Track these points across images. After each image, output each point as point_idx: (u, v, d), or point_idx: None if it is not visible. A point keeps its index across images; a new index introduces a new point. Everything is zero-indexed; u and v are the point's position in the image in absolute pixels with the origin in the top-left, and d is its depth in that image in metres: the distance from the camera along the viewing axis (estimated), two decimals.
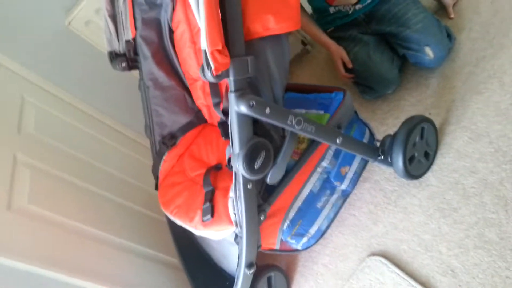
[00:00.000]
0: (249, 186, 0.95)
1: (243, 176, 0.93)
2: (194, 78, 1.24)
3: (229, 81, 0.86)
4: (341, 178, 1.19)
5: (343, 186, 1.21)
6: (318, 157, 1.11)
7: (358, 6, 1.47)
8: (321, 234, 1.20)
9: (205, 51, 0.79)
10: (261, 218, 1.02)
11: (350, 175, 1.21)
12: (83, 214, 1.29)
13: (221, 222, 1.02)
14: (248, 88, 0.88)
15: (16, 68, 1.50)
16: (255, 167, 0.92)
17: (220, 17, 0.80)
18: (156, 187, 1.28)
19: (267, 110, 0.89)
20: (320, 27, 1.57)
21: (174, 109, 1.25)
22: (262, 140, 0.92)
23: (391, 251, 1.22)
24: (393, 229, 1.24)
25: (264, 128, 0.97)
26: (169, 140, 1.25)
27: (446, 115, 1.33)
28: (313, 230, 1.17)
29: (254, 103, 0.86)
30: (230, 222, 1.01)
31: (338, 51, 1.50)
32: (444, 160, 1.25)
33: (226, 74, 0.83)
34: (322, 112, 1.16)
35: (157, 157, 1.25)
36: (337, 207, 1.23)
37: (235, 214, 0.99)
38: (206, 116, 1.30)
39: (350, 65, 1.52)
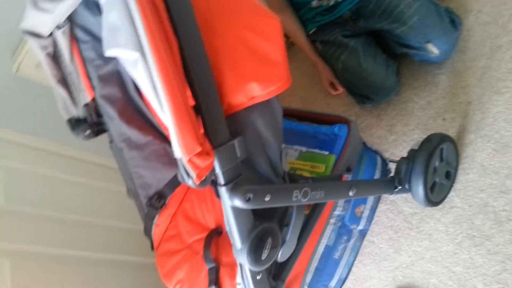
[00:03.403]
0: (258, 277, 0.82)
1: (250, 270, 0.80)
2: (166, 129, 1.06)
3: (216, 175, 0.70)
4: (357, 220, 1.06)
5: (360, 227, 1.08)
6: (329, 209, 0.97)
7: None
8: (343, 282, 1.09)
9: (180, 159, 0.63)
10: None
11: (366, 213, 1.08)
12: None
13: None
14: (241, 173, 0.73)
15: None
16: (263, 258, 0.78)
17: (190, 105, 0.63)
18: (152, 248, 1.15)
19: (268, 197, 0.74)
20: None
21: (157, 166, 1.09)
22: (266, 226, 0.78)
23: (419, 285, 1.11)
24: (419, 259, 1.13)
25: None
26: (157, 201, 1.10)
27: (463, 121, 1.17)
28: (333, 283, 1.06)
29: (251, 196, 0.71)
30: None
31: (325, 73, 1.32)
32: (467, 177, 1.11)
33: (211, 172, 0.68)
34: (326, 152, 1.00)
35: (148, 221, 1.11)
36: (356, 250, 1.11)
37: None
38: None
39: (339, 88, 1.38)
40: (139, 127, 1.04)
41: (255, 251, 0.77)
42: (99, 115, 1.00)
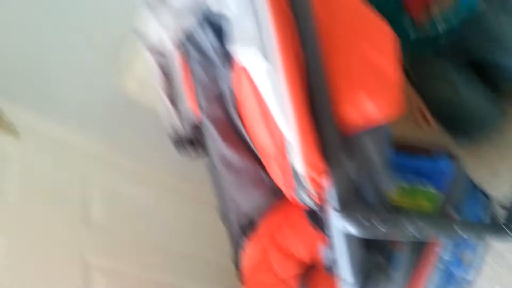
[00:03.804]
0: None
1: None
2: (268, 154, 1.04)
3: (331, 199, 0.66)
4: (465, 268, 0.95)
5: (469, 277, 0.96)
6: (435, 250, 0.87)
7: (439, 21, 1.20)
8: None
9: (301, 175, 0.60)
10: None
11: (474, 262, 0.96)
12: None
13: None
14: (355, 199, 0.68)
15: (72, 141, 1.39)
16: None
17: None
18: (238, 278, 1.11)
19: (383, 229, 0.68)
20: None
21: (252, 192, 1.06)
22: (378, 261, 0.72)
23: None
24: None
25: None
26: (249, 229, 1.06)
27: None
28: None
29: (368, 224, 0.66)
30: None
31: (417, 105, 1.25)
32: None
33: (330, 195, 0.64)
34: (433, 190, 0.92)
35: (238, 249, 1.07)
36: None
37: None
38: (288, 195, 1.10)
39: (431, 122, 1.28)
40: (237, 149, 1.03)
41: (368, 286, 0.70)
42: (202, 135, 1.00)
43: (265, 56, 0.55)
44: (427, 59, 1.28)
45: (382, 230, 0.68)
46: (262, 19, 0.56)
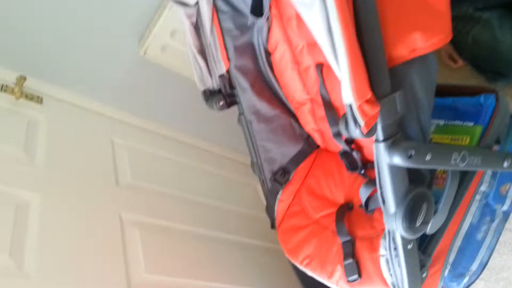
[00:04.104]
0: (410, 246, 0.77)
1: (403, 237, 0.75)
2: (300, 102, 1.06)
3: (378, 129, 0.67)
4: (502, 199, 0.97)
5: (505, 207, 0.99)
6: (476, 183, 0.89)
7: None
8: (483, 267, 1.00)
9: (350, 105, 0.61)
10: (424, 275, 0.84)
11: (511, 192, 0.98)
12: (206, 269, 1.18)
13: (373, 283, 0.86)
14: (399, 130, 0.69)
15: (98, 108, 1.41)
16: (417, 224, 0.73)
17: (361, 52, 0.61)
18: (273, 226, 1.14)
19: (428, 157, 0.70)
20: None
21: (282, 140, 1.08)
22: (421, 190, 0.73)
23: None
24: None
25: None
26: (281, 176, 1.09)
27: None
28: (474, 267, 0.98)
29: (413, 153, 0.67)
30: (385, 283, 0.84)
31: (444, 46, 1.24)
32: None
33: (375, 125, 0.65)
34: (471, 123, 0.93)
35: (271, 196, 1.10)
36: (499, 233, 1.01)
37: (391, 275, 0.81)
38: (319, 142, 1.12)
39: (459, 61, 1.29)
40: (268, 100, 1.05)
41: (410, 216, 0.72)
42: (232, 86, 1.01)
43: None
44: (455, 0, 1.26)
45: (426, 159, 0.70)
46: None
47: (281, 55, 1.00)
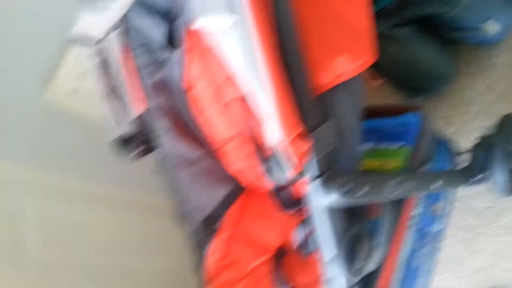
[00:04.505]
0: None
1: (345, 280, 0.69)
2: (225, 140, 0.99)
3: (311, 165, 0.62)
4: (433, 219, 0.96)
5: (436, 228, 0.98)
6: (410, 208, 0.87)
7: None
8: None
9: (279, 142, 0.55)
10: None
11: (442, 212, 0.98)
12: None
13: None
14: (334, 163, 0.65)
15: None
16: (359, 265, 0.68)
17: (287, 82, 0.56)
18: (200, 283, 1.03)
19: (366, 189, 0.66)
20: None
21: (209, 183, 1.00)
22: (359, 227, 0.69)
23: (506, 286, 1.00)
24: (500, 258, 1.02)
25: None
26: (211, 224, 0.99)
27: None
28: None
29: (350, 187, 0.63)
30: None
31: None
32: None
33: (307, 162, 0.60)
34: (398, 144, 0.91)
35: (199, 249, 1.00)
36: (434, 254, 1.00)
37: None
38: (248, 181, 1.05)
39: (379, 81, 1.31)
40: (191, 141, 0.96)
41: (351, 257, 0.67)
42: (149, 129, 0.92)
43: (229, 7, 0.50)
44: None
45: (364, 192, 0.66)
46: None
47: (201, 90, 0.93)
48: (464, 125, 1.19)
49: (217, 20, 0.52)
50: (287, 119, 0.53)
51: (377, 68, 1.31)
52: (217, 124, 0.97)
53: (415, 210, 0.89)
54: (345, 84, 0.65)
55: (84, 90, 1.23)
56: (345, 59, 0.62)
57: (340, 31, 0.63)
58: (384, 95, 1.38)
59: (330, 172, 0.63)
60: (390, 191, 0.69)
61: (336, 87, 0.64)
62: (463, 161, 0.98)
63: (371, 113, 0.99)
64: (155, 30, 0.85)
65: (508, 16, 1.11)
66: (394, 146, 0.90)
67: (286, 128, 0.54)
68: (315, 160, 0.61)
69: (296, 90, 0.59)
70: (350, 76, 0.64)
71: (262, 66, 0.51)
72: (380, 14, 1.23)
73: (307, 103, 0.60)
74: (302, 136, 0.56)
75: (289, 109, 0.54)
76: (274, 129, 0.54)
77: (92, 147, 1.37)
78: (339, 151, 0.68)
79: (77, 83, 1.22)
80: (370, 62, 0.64)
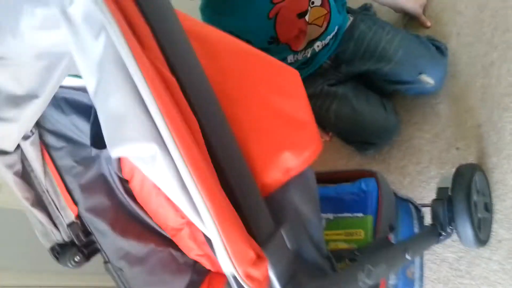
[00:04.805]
0: None
1: None
2: (176, 228, 0.90)
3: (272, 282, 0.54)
4: (410, 283, 0.91)
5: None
6: (384, 283, 0.82)
7: (317, 45, 1.20)
8: None
9: (231, 275, 0.47)
10: None
11: (417, 273, 0.93)
12: None
13: None
14: (295, 269, 0.58)
15: None
16: None
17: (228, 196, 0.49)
18: None
19: None
20: None
21: (165, 278, 0.91)
22: None
23: None
24: None
25: None
26: None
27: (479, 145, 1.09)
28: None
29: None
30: None
31: None
32: (505, 204, 1.02)
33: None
34: (360, 214, 0.87)
35: None
36: None
37: None
38: (208, 266, 0.96)
39: (327, 137, 1.34)
40: (137, 236, 0.87)
41: None
42: (87, 233, 0.82)
43: (149, 136, 0.42)
44: (309, 78, 1.25)
45: None
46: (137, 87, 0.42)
47: (140, 182, 0.85)
48: (419, 174, 1.18)
49: (136, 150, 0.44)
50: (235, 247, 0.46)
51: (323, 126, 1.30)
52: (165, 214, 0.88)
53: (391, 280, 0.84)
54: (295, 178, 0.58)
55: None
56: (291, 154, 0.56)
57: (280, 125, 0.57)
58: (335, 149, 1.36)
59: (296, 280, 0.56)
60: (361, 285, 0.63)
61: (287, 183, 0.58)
62: (426, 216, 0.96)
63: (325, 179, 0.95)
64: (76, 132, 0.76)
65: (438, 68, 1.14)
66: (357, 215, 0.85)
67: (236, 258, 0.46)
68: (275, 273, 0.54)
69: (242, 200, 0.52)
70: (299, 170, 0.58)
71: (196, 194, 0.44)
72: (317, 74, 1.22)
73: (257, 210, 0.53)
74: (257, 257, 0.49)
75: (237, 234, 0.47)
76: (223, 259, 0.46)
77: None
78: (301, 246, 0.62)
79: None
80: (318, 152, 0.59)
